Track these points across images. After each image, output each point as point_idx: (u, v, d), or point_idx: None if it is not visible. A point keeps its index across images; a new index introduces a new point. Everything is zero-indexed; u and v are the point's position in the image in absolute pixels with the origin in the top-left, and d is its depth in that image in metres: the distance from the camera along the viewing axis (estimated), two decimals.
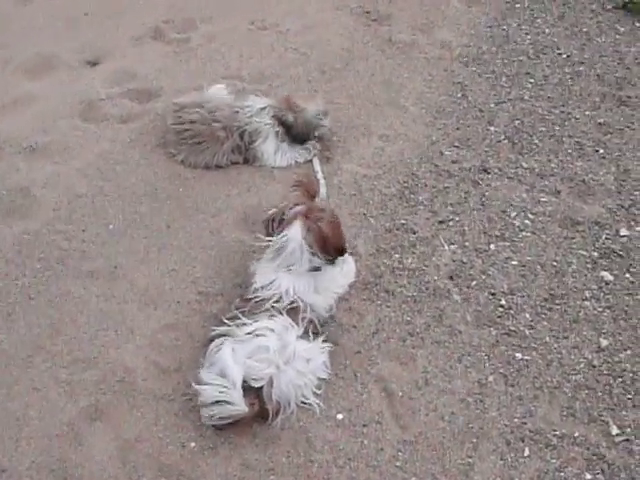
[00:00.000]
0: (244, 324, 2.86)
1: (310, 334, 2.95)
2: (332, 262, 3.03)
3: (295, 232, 2.97)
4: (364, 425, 2.84)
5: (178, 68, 4.86)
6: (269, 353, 2.77)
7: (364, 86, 4.64)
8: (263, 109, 3.93)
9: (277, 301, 2.93)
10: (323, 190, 3.75)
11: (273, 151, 3.94)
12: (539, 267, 3.46)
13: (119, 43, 5.13)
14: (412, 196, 3.85)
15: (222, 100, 4.02)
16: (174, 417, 2.83)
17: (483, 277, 3.41)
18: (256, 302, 2.93)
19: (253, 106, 3.94)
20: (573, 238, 3.60)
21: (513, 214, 3.73)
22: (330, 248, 2.99)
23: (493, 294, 3.33)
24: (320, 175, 3.86)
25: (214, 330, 2.90)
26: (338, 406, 2.90)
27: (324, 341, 3.01)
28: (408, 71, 4.76)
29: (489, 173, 3.99)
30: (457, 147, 4.17)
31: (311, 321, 2.98)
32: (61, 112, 4.46)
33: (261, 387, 2.75)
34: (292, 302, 2.94)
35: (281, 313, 2.90)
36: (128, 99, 4.59)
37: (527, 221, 3.70)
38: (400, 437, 2.81)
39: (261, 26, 5.30)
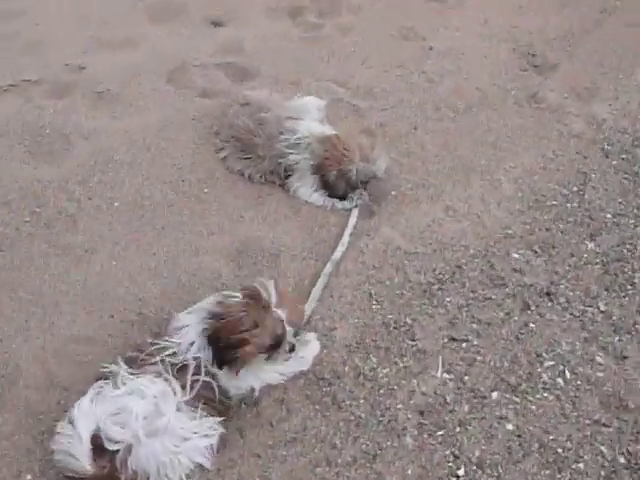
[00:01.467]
0: (128, 373, 2.49)
1: (199, 407, 2.51)
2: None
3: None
4: None
5: (291, 55, 4.46)
6: (131, 418, 2.38)
7: (469, 141, 3.91)
8: (299, 144, 3.39)
9: (172, 355, 2.51)
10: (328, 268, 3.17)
11: (309, 189, 3.44)
12: (537, 446, 2.67)
13: (252, 11, 4.81)
14: (439, 293, 3.16)
15: (278, 115, 3.52)
16: (30, 439, 2.57)
17: (458, 430, 2.71)
18: (154, 349, 2.54)
19: (290, 138, 3.40)
20: (607, 426, 2.74)
21: (548, 364, 2.93)
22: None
23: (456, 457, 2.63)
24: (347, 233, 3.29)
25: (105, 368, 2.56)
26: None
27: (225, 421, 2.57)
28: (531, 139, 3.94)
29: (552, 300, 3.17)
30: (533, 252, 3.36)
31: (209, 388, 2.53)
32: (152, 65, 4.28)
33: (117, 451, 2.39)
34: (190, 359, 2.53)
35: (168, 372, 2.48)
36: (223, 72, 4.30)
37: (560, 379, 2.88)
38: None
39: (405, 35, 4.70)
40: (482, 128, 3.99)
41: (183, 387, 2.50)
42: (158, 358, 2.54)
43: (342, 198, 3.41)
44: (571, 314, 3.11)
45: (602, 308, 3.14)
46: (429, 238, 3.38)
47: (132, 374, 2.51)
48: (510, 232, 3.44)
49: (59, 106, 3.92)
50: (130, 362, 2.56)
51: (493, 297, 3.17)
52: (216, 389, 2.56)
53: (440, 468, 2.59)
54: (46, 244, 3.23)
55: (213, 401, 2.57)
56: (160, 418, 2.43)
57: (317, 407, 2.74)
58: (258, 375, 2.66)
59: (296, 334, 2.71)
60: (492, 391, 2.83)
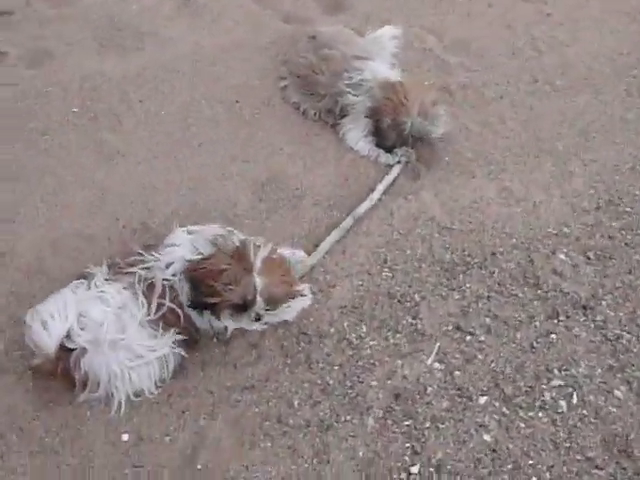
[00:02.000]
0: (103, 278, 2.47)
1: (160, 328, 2.45)
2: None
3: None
4: (136, 466, 2.35)
5: None
6: (90, 322, 2.38)
7: (555, 122, 3.49)
8: (361, 85, 3.15)
9: (147, 269, 2.46)
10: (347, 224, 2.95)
11: (359, 133, 3.21)
12: (510, 467, 2.40)
13: None
14: (461, 277, 2.89)
15: (345, 53, 3.30)
16: (5, 318, 2.65)
17: (427, 425, 2.48)
18: (136, 258, 2.50)
19: (354, 77, 3.18)
20: (599, 469, 2.42)
21: (556, 382, 2.61)
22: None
23: (415, 453, 2.42)
24: (380, 189, 3.05)
25: (88, 268, 2.55)
26: (136, 425, 2.43)
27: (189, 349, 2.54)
28: (627, 134, 3.46)
29: (586, 315, 2.80)
30: (585, 258, 2.98)
31: (175, 314, 2.47)
32: None
33: (73, 350, 2.39)
34: (160, 279, 2.46)
35: (140, 285, 2.44)
36: (315, 0, 4.07)
37: (563, 402, 2.56)
38: None
39: None
40: (575, 111, 3.54)
41: (150, 305, 2.44)
42: (135, 269, 2.48)
43: (389, 150, 3.16)
44: (604, 336, 2.74)
45: None
46: (470, 216, 3.07)
47: (107, 280, 2.48)
48: (566, 230, 3.06)
49: (144, 4, 3.88)
50: (111, 267, 2.54)
51: (520, 295, 2.84)
52: (182, 317, 2.48)
53: (393, 459, 2.39)
54: (86, 137, 3.24)
55: (178, 327, 2.49)
56: (119, 330, 2.39)
57: (288, 361, 2.60)
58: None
59: (270, 308, 2.53)
60: (482, 395, 2.56)
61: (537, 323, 2.76)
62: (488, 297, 2.82)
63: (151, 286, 2.44)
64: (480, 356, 2.66)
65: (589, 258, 2.98)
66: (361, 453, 2.40)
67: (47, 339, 2.37)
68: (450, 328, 2.73)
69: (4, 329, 2.60)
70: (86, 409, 2.45)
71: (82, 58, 3.59)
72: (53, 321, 2.38)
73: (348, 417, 2.48)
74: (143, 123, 3.32)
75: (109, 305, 2.39)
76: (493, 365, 2.63)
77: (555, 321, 2.77)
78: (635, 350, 2.70)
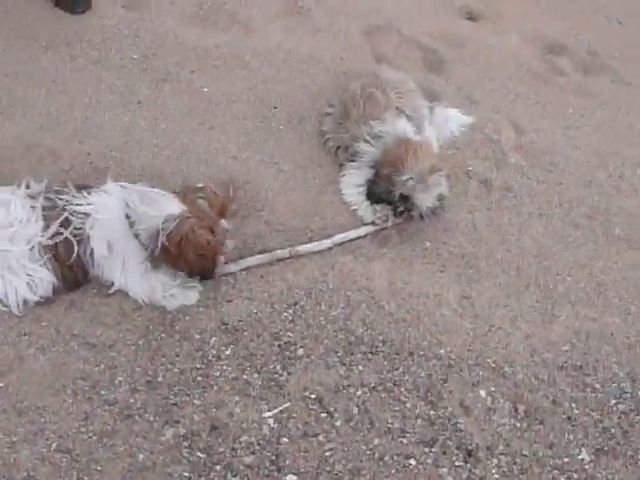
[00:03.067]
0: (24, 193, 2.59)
1: (47, 258, 2.51)
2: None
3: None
4: None
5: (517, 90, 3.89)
6: None
7: (575, 261, 3.10)
8: (379, 136, 3.01)
9: (63, 200, 2.55)
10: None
11: (352, 182, 3.09)
12: None
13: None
14: (359, 356, 2.65)
15: (389, 100, 3.18)
16: None
17: (218, 468, 2.32)
18: (63, 189, 2.60)
19: (376, 127, 3.04)
20: None
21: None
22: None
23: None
24: (332, 240, 2.90)
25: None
26: None
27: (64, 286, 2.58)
28: None
29: (466, 461, 2.46)
30: (510, 408, 2.61)
31: (68, 249, 2.51)
32: None
33: None
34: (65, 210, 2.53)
35: (39, 206, 2.53)
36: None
37: None
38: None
39: None
40: (606, 264, 3.10)
41: (46, 230, 2.51)
42: (52, 196, 2.58)
43: (375, 202, 2.98)
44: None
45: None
46: (412, 306, 2.80)
47: (28, 195, 2.59)
48: (507, 370, 2.69)
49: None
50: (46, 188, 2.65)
51: (408, 405, 2.55)
52: (74, 254, 2.52)
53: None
54: (128, 82, 3.44)
55: (65, 264, 2.53)
56: (6, 238, 2.48)
57: (139, 341, 2.55)
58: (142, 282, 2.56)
59: None
60: (294, 474, 2.34)
61: (405, 440, 2.46)
62: (373, 388, 2.56)
63: (55, 215, 2.51)
64: (322, 438, 2.42)
65: (516, 410, 2.60)
66: (141, 457, 2.29)
67: None
68: (313, 397, 2.51)
69: None
70: None
71: (174, 21, 3.79)
72: None
73: (152, 418, 2.37)
74: (179, 90, 3.43)
75: (9, 213, 2.50)
76: (328, 454, 2.38)
77: (427, 449, 2.44)
78: None
